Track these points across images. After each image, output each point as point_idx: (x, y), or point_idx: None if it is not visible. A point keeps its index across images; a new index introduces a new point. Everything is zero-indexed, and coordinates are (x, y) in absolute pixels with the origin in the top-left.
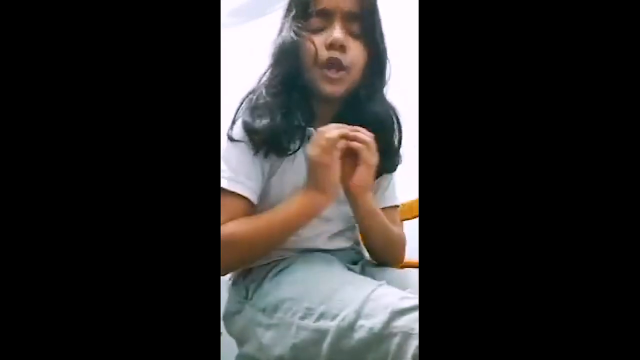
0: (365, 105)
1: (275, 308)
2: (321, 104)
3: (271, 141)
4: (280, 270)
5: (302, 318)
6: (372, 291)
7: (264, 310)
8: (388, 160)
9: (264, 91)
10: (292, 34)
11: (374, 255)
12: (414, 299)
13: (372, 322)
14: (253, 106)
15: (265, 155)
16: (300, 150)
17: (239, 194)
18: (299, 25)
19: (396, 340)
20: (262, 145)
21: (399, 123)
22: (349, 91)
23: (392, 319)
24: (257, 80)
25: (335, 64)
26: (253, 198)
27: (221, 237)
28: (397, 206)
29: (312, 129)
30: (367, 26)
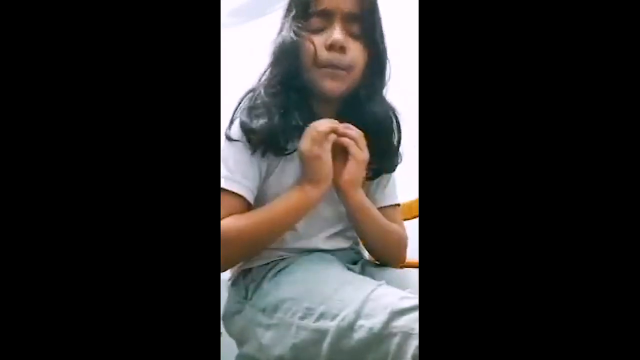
0: (364, 105)
1: (275, 308)
2: (321, 104)
3: (269, 141)
4: (280, 270)
5: (302, 318)
6: (372, 291)
7: (263, 311)
8: (388, 160)
9: (262, 91)
10: (292, 34)
11: (372, 253)
12: (413, 299)
13: (372, 322)
14: (251, 106)
15: (263, 155)
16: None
17: (235, 193)
18: (299, 25)
19: (396, 340)
20: (259, 145)
21: (398, 123)
22: (349, 91)
23: (391, 319)
24: (257, 80)
25: (335, 65)
26: (249, 197)
27: (223, 233)
28: (397, 205)
29: None
30: (367, 27)
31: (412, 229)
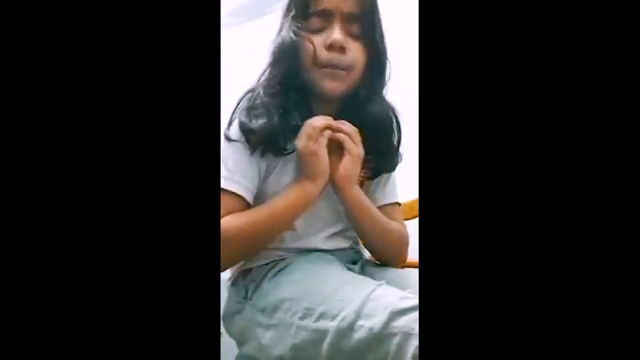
0: (364, 105)
1: (275, 308)
2: (320, 104)
3: (268, 141)
4: (280, 271)
5: (302, 318)
6: (372, 291)
7: (263, 311)
8: (388, 160)
9: (261, 91)
10: (292, 34)
11: (372, 252)
12: (413, 299)
13: (371, 322)
14: (250, 106)
15: (262, 155)
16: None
17: (234, 193)
18: (299, 25)
19: (396, 340)
20: (258, 145)
21: (398, 123)
22: (349, 91)
23: (391, 319)
24: (256, 80)
25: (334, 65)
26: (248, 197)
27: (222, 231)
28: (397, 204)
29: None
30: (367, 27)
31: (412, 229)
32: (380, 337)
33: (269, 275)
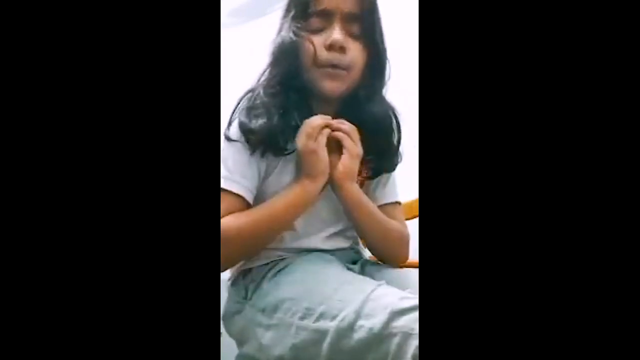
0: (364, 105)
1: (275, 308)
2: (320, 104)
3: (268, 141)
4: (280, 271)
5: (302, 318)
6: (372, 291)
7: (263, 311)
8: (387, 160)
9: (261, 91)
10: (292, 34)
11: (373, 251)
12: (413, 299)
13: (371, 322)
14: (250, 106)
15: (262, 155)
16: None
17: (234, 193)
18: (298, 25)
19: (396, 340)
20: (258, 145)
21: (398, 123)
22: (348, 91)
23: (391, 319)
24: (256, 81)
25: (334, 65)
26: (248, 197)
27: (222, 231)
28: (398, 203)
29: None
30: (367, 27)
31: (412, 229)
32: (380, 337)
33: (269, 275)
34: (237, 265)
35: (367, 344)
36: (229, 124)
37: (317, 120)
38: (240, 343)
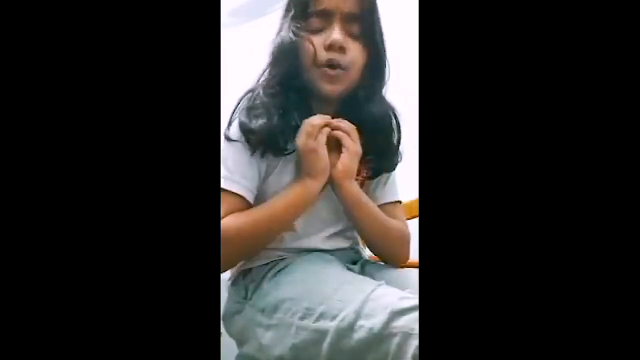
0: (363, 105)
1: (275, 308)
2: (320, 104)
3: (268, 141)
4: (280, 271)
5: (302, 318)
6: (372, 291)
7: (263, 311)
8: (387, 160)
9: (261, 91)
10: (291, 35)
11: (373, 250)
12: (413, 299)
13: (371, 322)
14: (250, 106)
15: (262, 155)
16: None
17: (235, 193)
18: (298, 25)
19: (396, 340)
20: (258, 146)
21: (398, 122)
22: (348, 91)
23: (391, 319)
24: (255, 81)
25: (334, 65)
26: (249, 197)
27: (222, 231)
28: (398, 202)
29: None
30: (366, 27)
31: (412, 229)
32: (380, 337)
33: (269, 275)
34: (237, 265)
35: (367, 344)
36: (229, 124)
37: (317, 119)
38: (240, 343)
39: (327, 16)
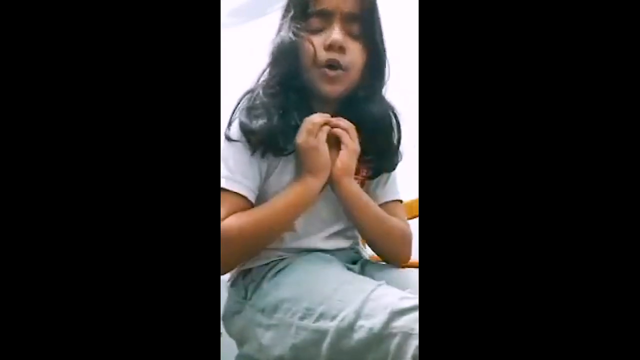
0: (363, 105)
1: (275, 308)
2: (319, 105)
3: (268, 142)
4: (279, 271)
5: (302, 318)
6: (372, 291)
7: (263, 311)
8: (387, 159)
9: (261, 91)
10: (291, 35)
11: (374, 249)
12: (413, 299)
13: (371, 323)
14: (250, 106)
15: (263, 156)
16: None
17: (236, 193)
18: (298, 26)
19: (396, 340)
20: (259, 146)
21: (398, 122)
22: (348, 91)
23: (391, 319)
24: (256, 80)
25: (334, 65)
26: (251, 197)
27: (224, 232)
28: (399, 201)
29: None
30: (366, 27)
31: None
32: (380, 337)
33: (269, 275)
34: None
35: (367, 344)
36: (229, 123)
37: (317, 117)
38: (240, 343)
39: (327, 16)
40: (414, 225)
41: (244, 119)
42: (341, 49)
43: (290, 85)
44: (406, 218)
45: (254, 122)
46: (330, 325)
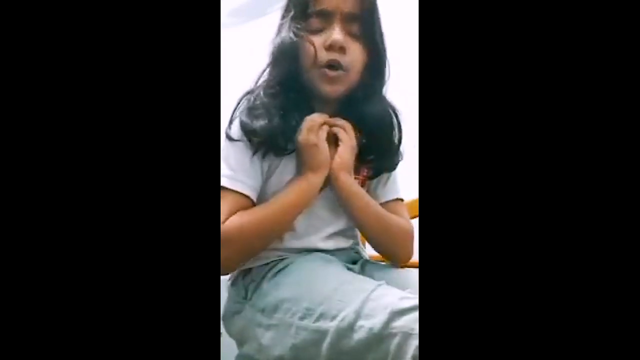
0: (364, 105)
1: (275, 308)
2: (320, 105)
3: (269, 142)
4: (280, 271)
5: (302, 318)
6: (372, 291)
7: (263, 311)
8: (388, 159)
9: (261, 92)
10: (291, 35)
11: (374, 246)
12: (413, 299)
13: (371, 323)
14: (251, 106)
15: (264, 156)
16: None
17: (239, 192)
18: (298, 26)
19: (396, 340)
20: (260, 146)
21: (398, 122)
22: (348, 91)
23: (391, 319)
24: (256, 81)
25: (334, 66)
26: (253, 196)
27: (227, 231)
28: (400, 199)
29: None
30: (366, 27)
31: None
32: (380, 337)
33: (269, 275)
34: None
35: (367, 344)
36: (230, 123)
37: (317, 116)
38: (240, 343)
39: (327, 16)
40: (413, 225)
41: (245, 119)
42: (341, 49)
43: (291, 85)
44: (408, 216)
45: (255, 122)
46: (330, 325)
